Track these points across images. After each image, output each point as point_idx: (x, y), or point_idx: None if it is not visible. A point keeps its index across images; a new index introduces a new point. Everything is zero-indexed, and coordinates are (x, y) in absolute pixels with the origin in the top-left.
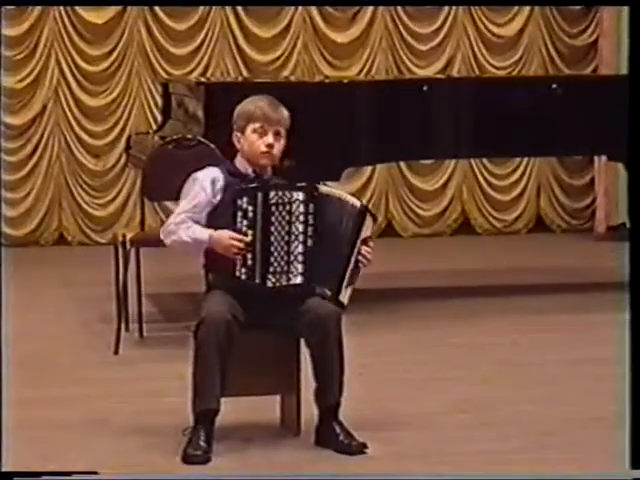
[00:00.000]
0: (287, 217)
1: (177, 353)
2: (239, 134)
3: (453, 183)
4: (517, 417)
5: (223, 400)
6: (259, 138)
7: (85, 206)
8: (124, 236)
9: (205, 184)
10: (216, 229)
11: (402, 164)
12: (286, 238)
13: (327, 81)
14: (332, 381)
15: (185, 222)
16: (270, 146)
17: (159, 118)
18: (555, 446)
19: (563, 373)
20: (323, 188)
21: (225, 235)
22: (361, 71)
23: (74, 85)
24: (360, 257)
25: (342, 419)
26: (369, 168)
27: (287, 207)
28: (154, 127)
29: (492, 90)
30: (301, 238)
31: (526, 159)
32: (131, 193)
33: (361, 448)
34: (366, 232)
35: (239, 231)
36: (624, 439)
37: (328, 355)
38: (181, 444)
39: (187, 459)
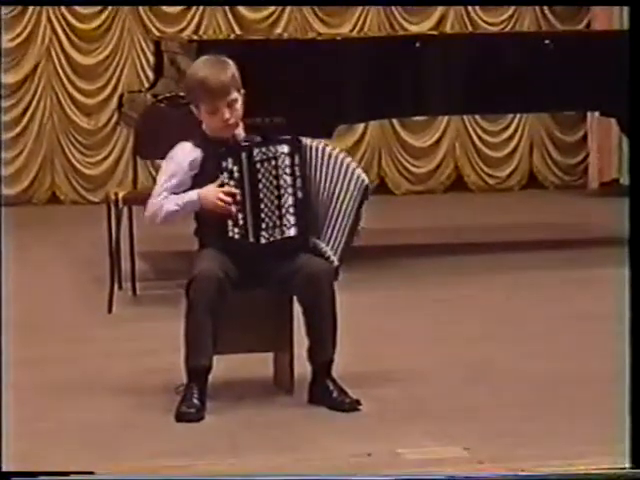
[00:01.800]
0: (274, 171)
1: (170, 311)
2: (195, 109)
3: (446, 140)
4: (509, 373)
5: (216, 358)
6: (214, 116)
7: (77, 165)
8: (116, 194)
9: (181, 160)
10: None
11: (395, 121)
12: (275, 192)
13: (319, 38)
14: (325, 338)
15: (167, 197)
16: (227, 120)
17: (151, 76)
18: (547, 402)
19: (556, 329)
20: (305, 139)
21: (212, 190)
22: (354, 28)
23: (66, 43)
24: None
25: (335, 376)
26: (361, 125)
27: (272, 162)
28: (146, 85)
29: (485, 46)
30: (290, 190)
31: (519, 116)
32: (123, 151)
33: (354, 405)
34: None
35: (229, 190)
36: (620, 398)
37: (321, 312)
38: (174, 402)
39: (180, 417)
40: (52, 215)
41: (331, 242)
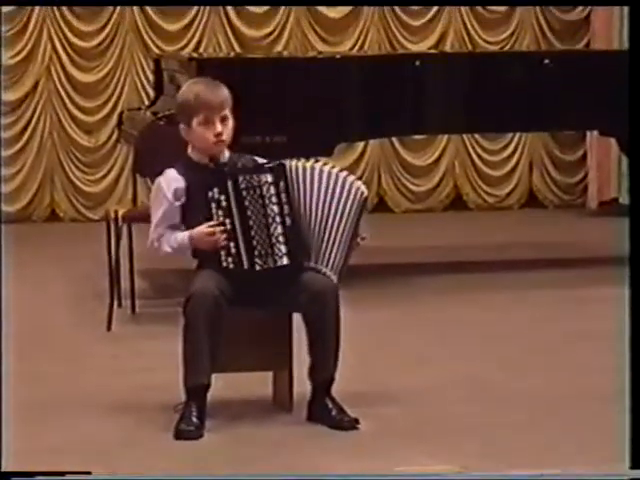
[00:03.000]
0: (260, 200)
1: (169, 329)
2: (185, 127)
3: (445, 159)
4: (508, 392)
5: (215, 376)
6: (207, 130)
7: (77, 182)
8: (116, 212)
9: (165, 191)
10: (195, 228)
11: (394, 139)
12: (264, 221)
13: (320, 56)
14: (328, 356)
15: (162, 235)
16: (219, 134)
17: (151, 94)
18: (545, 421)
19: (555, 348)
20: (290, 163)
21: (203, 231)
22: (354, 46)
23: (66, 61)
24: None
25: (334, 395)
26: (361, 144)
27: (257, 190)
28: (146, 103)
29: (484, 65)
30: (278, 219)
31: (518, 134)
32: (123, 169)
33: (353, 424)
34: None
35: (217, 223)
36: (617, 416)
37: (325, 330)
38: (173, 420)
39: (179, 435)
40: (51, 232)
41: (330, 261)
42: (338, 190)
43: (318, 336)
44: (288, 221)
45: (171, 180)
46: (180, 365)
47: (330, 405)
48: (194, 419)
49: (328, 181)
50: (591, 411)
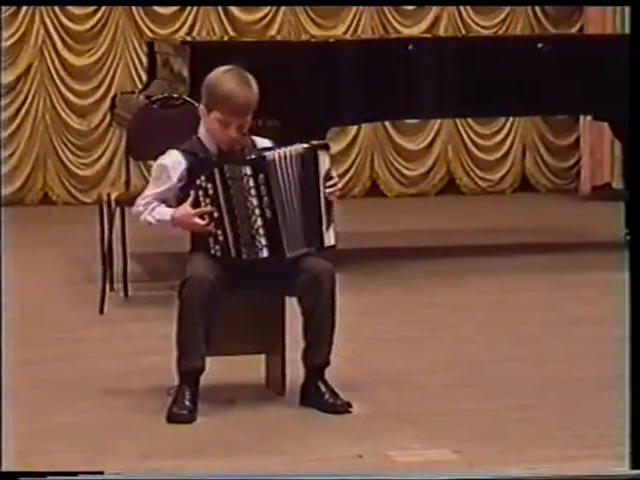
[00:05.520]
0: (242, 192)
1: (162, 313)
2: (204, 110)
3: (438, 143)
4: (501, 377)
5: (208, 360)
6: (222, 129)
7: (70, 165)
8: (109, 196)
9: (170, 172)
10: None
11: (387, 124)
12: (246, 212)
13: (313, 40)
14: (323, 340)
15: (150, 203)
16: (234, 139)
17: (144, 77)
18: (539, 406)
19: (547, 333)
20: (269, 154)
21: (186, 211)
22: (347, 30)
23: (59, 44)
24: (328, 194)
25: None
26: (354, 128)
27: (239, 182)
28: (139, 86)
29: (478, 49)
30: (258, 212)
31: (511, 119)
32: (116, 152)
33: (346, 407)
34: (324, 166)
35: (203, 210)
36: (613, 402)
37: (322, 313)
38: (166, 403)
39: (172, 418)
40: (44, 216)
41: (316, 236)
42: (300, 167)
43: (314, 320)
44: (268, 213)
45: (176, 162)
46: (174, 348)
47: (323, 389)
48: (187, 403)
49: (291, 163)
50: (586, 396)
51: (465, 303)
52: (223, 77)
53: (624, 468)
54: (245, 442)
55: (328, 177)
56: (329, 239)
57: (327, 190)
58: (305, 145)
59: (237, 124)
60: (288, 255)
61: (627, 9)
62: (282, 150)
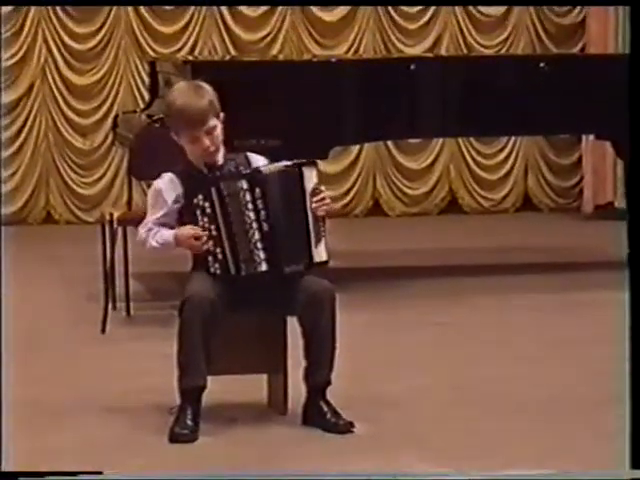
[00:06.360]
0: (239, 207)
1: (164, 332)
2: (175, 136)
3: (440, 162)
4: (505, 396)
5: (210, 379)
6: (196, 146)
7: (72, 185)
8: (111, 215)
9: (165, 195)
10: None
11: (390, 143)
12: (243, 227)
13: (315, 60)
14: (324, 360)
15: (152, 229)
16: (207, 149)
17: (146, 97)
18: (542, 425)
19: (549, 353)
20: (265, 169)
21: (185, 233)
22: (349, 50)
23: (61, 63)
24: (315, 209)
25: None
26: (356, 147)
27: (236, 197)
28: (141, 106)
29: (480, 69)
30: (255, 225)
31: (514, 138)
32: (118, 172)
33: (348, 427)
34: (310, 183)
35: (203, 229)
36: (615, 420)
37: (322, 333)
38: (168, 423)
39: (174, 438)
40: (47, 235)
41: (301, 251)
42: (284, 182)
43: (314, 339)
44: (265, 227)
45: (170, 185)
46: (175, 368)
47: (325, 408)
48: (189, 422)
49: (276, 179)
50: (588, 416)
51: (467, 322)
52: (172, 97)
53: (624, 468)
54: (247, 461)
55: (316, 193)
56: (319, 255)
57: (314, 205)
58: (287, 163)
59: (204, 134)
60: (286, 269)
61: (628, 29)
62: (269, 166)
